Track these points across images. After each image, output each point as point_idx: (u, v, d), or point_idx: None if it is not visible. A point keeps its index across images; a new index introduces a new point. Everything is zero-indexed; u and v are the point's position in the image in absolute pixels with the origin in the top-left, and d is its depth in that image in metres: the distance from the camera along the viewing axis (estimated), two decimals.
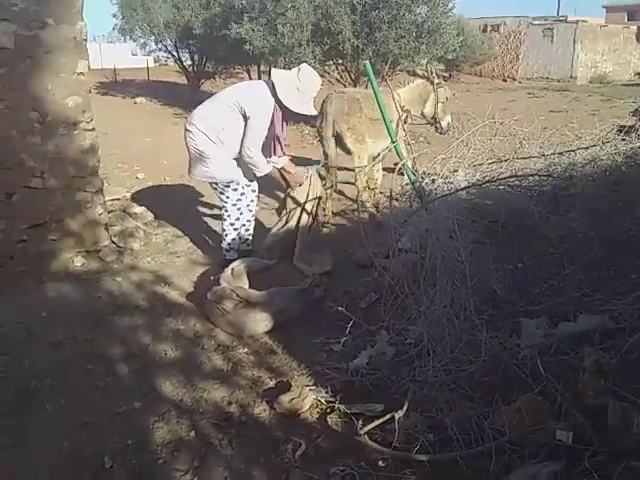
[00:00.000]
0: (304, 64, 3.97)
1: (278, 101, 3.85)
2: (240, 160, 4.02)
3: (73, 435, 2.52)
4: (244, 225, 4.28)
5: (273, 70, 3.99)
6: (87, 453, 2.42)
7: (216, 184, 4.12)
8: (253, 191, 4.28)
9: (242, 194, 4.15)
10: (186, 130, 4.02)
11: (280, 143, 3.99)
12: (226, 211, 4.17)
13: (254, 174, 4.10)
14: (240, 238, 4.29)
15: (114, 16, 14.17)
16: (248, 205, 4.24)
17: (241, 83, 4.33)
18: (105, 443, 2.47)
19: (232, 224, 4.19)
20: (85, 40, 4.17)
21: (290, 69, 4.08)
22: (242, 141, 3.88)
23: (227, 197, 4.11)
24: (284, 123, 4.03)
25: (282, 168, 4.09)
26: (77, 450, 2.44)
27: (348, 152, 5.34)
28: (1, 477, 2.29)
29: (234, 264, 3.84)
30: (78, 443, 2.48)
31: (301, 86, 3.84)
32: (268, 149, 3.99)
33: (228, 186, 4.08)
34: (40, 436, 2.53)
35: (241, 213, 4.20)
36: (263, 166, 3.97)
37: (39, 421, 2.62)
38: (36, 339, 3.28)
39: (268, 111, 3.85)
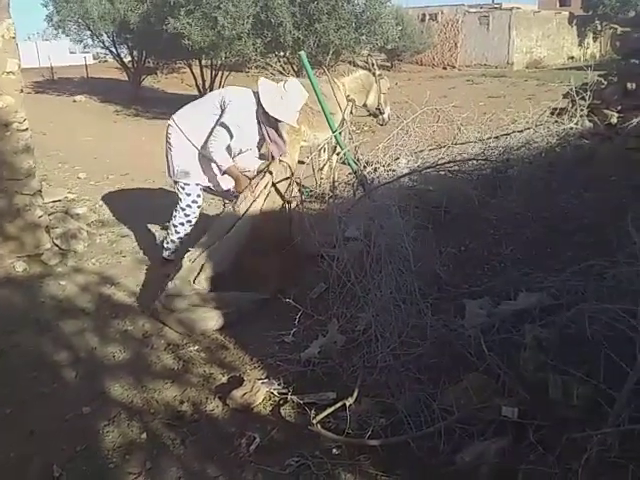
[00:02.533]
0: (292, 77, 4.06)
1: (262, 110, 3.80)
2: (203, 165, 3.97)
3: (19, 445, 2.46)
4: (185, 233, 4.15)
5: (261, 79, 3.91)
6: (35, 463, 2.36)
7: (176, 183, 4.08)
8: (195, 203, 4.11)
9: (194, 202, 4.05)
10: (168, 126, 4.00)
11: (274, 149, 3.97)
12: (175, 211, 4.12)
13: (211, 187, 4.11)
14: (181, 243, 4.16)
15: (45, 6, 13.66)
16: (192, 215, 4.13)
17: (228, 88, 4.28)
18: (53, 451, 2.42)
19: (175, 226, 4.12)
20: (14, 38, 4.01)
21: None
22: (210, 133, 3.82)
23: (179, 199, 4.08)
24: (277, 133, 3.97)
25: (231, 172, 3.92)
26: (24, 460, 2.38)
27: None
28: None
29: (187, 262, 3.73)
30: (25, 452, 2.41)
31: (285, 95, 3.78)
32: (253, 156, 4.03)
33: (183, 188, 4.03)
34: None
35: (187, 221, 4.10)
36: (222, 158, 3.80)
37: None
38: None
39: (245, 112, 3.82)
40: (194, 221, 4.15)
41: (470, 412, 2.29)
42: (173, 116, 4.01)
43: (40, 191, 4.30)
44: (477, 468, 2.12)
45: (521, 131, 4.36)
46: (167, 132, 4.00)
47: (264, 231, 3.75)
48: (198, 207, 4.11)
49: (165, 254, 4.23)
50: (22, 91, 4.12)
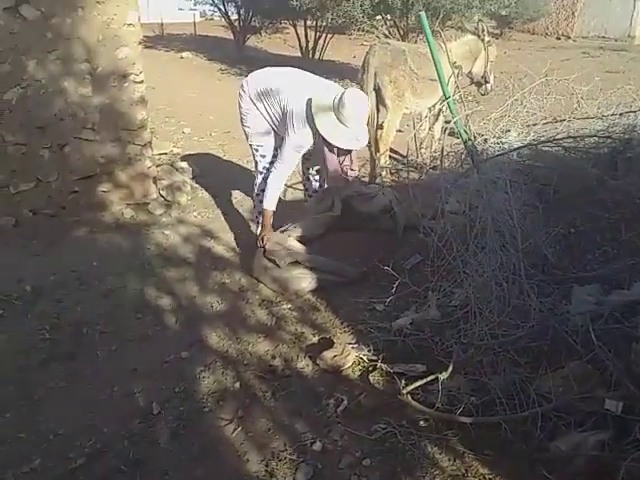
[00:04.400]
0: (346, 92, 3.31)
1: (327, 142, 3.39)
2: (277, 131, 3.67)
3: (123, 381, 2.62)
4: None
5: (313, 97, 3.35)
6: (136, 399, 2.52)
7: (250, 145, 3.81)
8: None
9: (270, 163, 3.72)
10: (241, 88, 3.66)
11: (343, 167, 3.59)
12: (254, 178, 3.90)
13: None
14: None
15: None
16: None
17: (314, 84, 3.56)
18: (153, 390, 2.56)
19: (257, 195, 3.86)
20: None
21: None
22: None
23: (255, 162, 3.83)
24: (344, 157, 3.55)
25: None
26: (127, 395, 2.54)
27: (384, 107, 5.07)
28: (53, 418, 2.39)
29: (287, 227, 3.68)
30: (128, 389, 2.57)
31: (342, 118, 3.28)
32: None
33: (257, 150, 3.76)
34: (91, 380, 2.63)
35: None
36: (270, 195, 3.56)
37: (90, 366, 2.73)
38: (88, 287, 3.40)
39: (308, 138, 3.44)
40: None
41: (570, 401, 2.18)
42: (247, 79, 3.67)
43: (150, 143, 4.48)
44: (572, 459, 2.03)
45: None
46: (239, 93, 3.68)
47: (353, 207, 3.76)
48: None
49: (255, 229, 4.05)
50: (140, 43, 4.27)
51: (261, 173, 3.79)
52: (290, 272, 3.45)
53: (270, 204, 3.59)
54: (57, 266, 3.58)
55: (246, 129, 3.74)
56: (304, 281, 3.43)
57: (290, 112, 3.40)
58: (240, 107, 3.70)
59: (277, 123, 3.60)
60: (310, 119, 3.35)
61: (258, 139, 3.72)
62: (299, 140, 3.44)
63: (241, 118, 3.74)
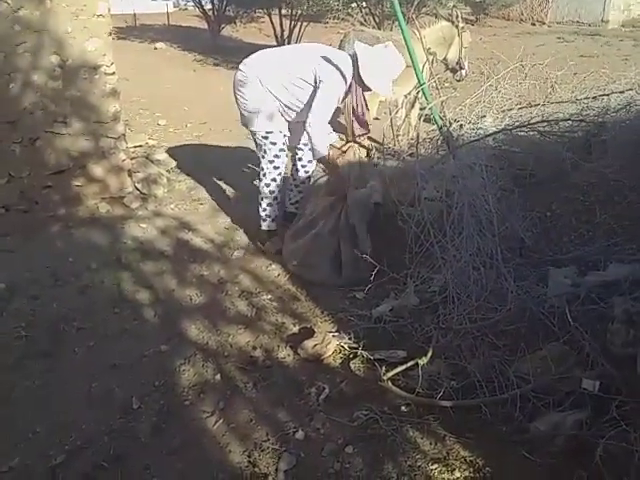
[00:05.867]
0: (390, 42, 3.53)
1: (359, 78, 3.45)
2: (285, 113, 3.57)
3: (102, 376, 2.59)
4: (284, 188, 3.74)
5: (357, 44, 3.50)
6: (116, 394, 2.49)
7: (255, 134, 3.60)
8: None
9: (282, 150, 3.59)
10: (243, 76, 3.49)
11: (359, 122, 3.66)
12: (261, 169, 3.65)
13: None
14: (278, 204, 3.74)
15: None
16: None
17: (321, 47, 3.63)
18: (133, 385, 2.53)
19: (267, 185, 3.64)
20: None
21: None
22: (308, 111, 3.40)
23: (264, 152, 3.59)
24: (364, 103, 3.62)
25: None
26: (106, 391, 2.51)
27: None
28: (31, 416, 2.36)
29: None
30: (107, 384, 2.54)
31: (385, 64, 3.43)
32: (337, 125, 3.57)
33: (266, 137, 3.54)
34: (69, 377, 2.59)
35: (279, 174, 3.63)
36: (321, 145, 3.44)
37: (68, 363, 2.69)
38: (64, 283, 3.34)
39: (342, 87, 3.46)
40: (283, 174, 3.70)
41: (548, 382, 2.21)
42: (247, 63, 3.53)
43: (124, 135, 4.41)
44: (551, 438, 2.07)
45: (622, 92, 4.05)
46: (238, 79, 3.53)
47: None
48: (286, 156, 3.65)
49: (264, 226, 3.77)
50: (110, 34, 4.19)
51: (271, 162, 3.59)
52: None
53: (325, 147, 3.46)
54: (32, 263, 3.52)
55: (252, 116, 3.51)
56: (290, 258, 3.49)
57: (324, 61, 3.38)
58: (243, 97, 3.51)
59: (302, 92, 3.45)
60: (353, 69, 3.43)
61: (267, 124, 3.51)
62: (335, 87, 3.40)
63: (245, 108, 3.54)
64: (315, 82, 3.39)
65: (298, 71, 3.41)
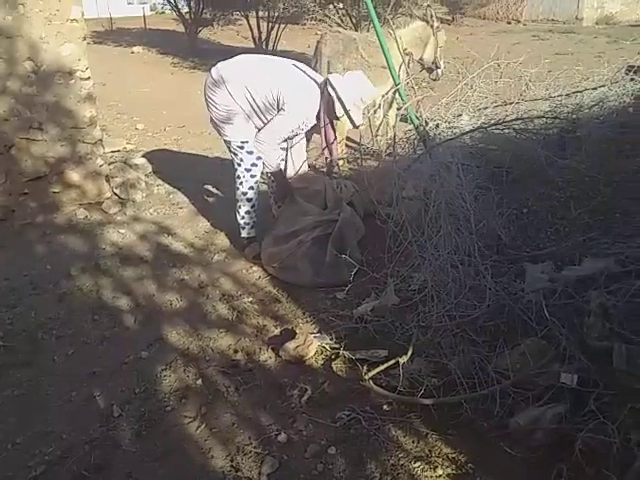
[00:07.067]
0: (360, 71, 3.65)
1: (329, 109, 3.50)
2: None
3: (81, 385, 2.56)
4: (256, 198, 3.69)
5: (332, 77, 3.50)
6: (96, 402, 2.46)
7: (229, 143, 3.58)
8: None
9: (258, 158, 3.56)
10: (212, 82, 3.45)
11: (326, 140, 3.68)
12: (238, 177, 3.62)
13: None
14: (255, 210, 3.71)
15: None
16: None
17: (293, 70, 3.55)
18: (113, 392, 2.51)
19: (244, 193, 3.61)
20: None
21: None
22: (264, 125, 3.48)
23: (240, 160, 3.56)
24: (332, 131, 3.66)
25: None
26: (86, 399, 2.48)
27: None
28: (10, 427, 2.33)
29: None
30: (87, 392, 2.52)
31: (358, 96, 3.47)
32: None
33: (242, 147, 3.52)
34: (49, 386, 2.56)
35: (256, 181, 3.62)
36: (270, 160, 3.53)
37: (47, 372, 2.66)
38: (42, 291, 3.31)
39: (302, 118, 3.48)
40: (259, 180, 3.68)
41: (527, 377, 2.24)
42: (219, 68, 3.48)
43: (101, 140, 4.38)
44: (531, 433, 2.08)
45: (594, 89, 4.11)
46: (208, 85, 3.49)
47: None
48: (262, 164, 3.60)
49: (244, 233, 3.76)
50: (85, 39, 4.16)
51: (248, 170, 3.56)
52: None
53: (276, 165, 3.58)
54: (9, 271, 3.48)
55: (225, 126, 3.49)
56: (270, 260, 3.50)
57: (291, 88, 3.38)
58: (213, 103, 3.47)
59: (265, 108, 3.44)
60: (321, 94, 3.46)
61: (242, 134, 3.50)
62: (294, 117, 3.43)
63: (216, 115, 3.50)
64: (277, 105, 3.40)
65: (262, 90, 3.38)
